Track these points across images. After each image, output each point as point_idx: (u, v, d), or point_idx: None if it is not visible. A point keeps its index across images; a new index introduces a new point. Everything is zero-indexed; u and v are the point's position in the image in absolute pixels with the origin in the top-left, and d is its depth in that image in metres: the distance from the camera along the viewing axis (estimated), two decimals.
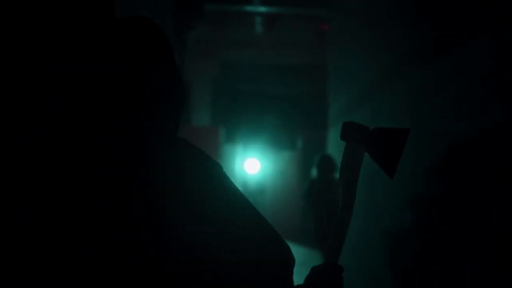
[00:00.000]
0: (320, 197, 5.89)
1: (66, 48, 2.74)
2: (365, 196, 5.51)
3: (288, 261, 1.12)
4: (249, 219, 1.12)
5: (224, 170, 1.19)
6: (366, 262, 5.28)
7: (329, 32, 9.18)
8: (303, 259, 1.23)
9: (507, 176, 2.50)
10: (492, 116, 2.68)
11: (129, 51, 1.22)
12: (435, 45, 3.56)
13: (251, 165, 13.10)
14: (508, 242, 2.46)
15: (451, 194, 3.22)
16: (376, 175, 4.95)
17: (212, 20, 9.66)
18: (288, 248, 1.13)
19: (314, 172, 6.14)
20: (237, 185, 1.18)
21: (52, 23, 2.72)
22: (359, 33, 6.30)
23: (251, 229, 1.11)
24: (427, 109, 3.68)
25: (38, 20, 2.67)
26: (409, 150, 4.08)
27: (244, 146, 13.42)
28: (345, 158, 1.25)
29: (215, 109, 13.03)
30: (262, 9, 9.67)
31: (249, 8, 9.69)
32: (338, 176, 1.33)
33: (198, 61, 10.12)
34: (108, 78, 1.22)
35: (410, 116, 4.09)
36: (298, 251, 4.99)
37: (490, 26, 2.71)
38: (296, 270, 1.16)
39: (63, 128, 1.24)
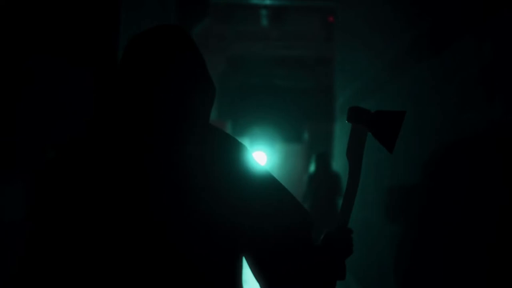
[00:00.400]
0: (319, 188, 6.38)
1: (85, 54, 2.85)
2: (370, 189, 5.52)
3: (311, 224, 1.35)
4: (275, 195, 1.33)
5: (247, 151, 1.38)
6: (370, 251, 5.29)
7: (335, 25, 9.15)
8: None
9: (510, 169, 2.50)
10: (495, 108, 2.68)
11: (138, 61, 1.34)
12: (437, 38, 3.55)
13: (258, 158, 13.09)
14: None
15: (453, 185, 3.22)
16: (382, 169, 4.95)
17: (217, 14, 9.65)
18: (309, 214, 1.36)
19: (312, 167, 6.63)
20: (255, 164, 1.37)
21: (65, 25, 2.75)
22: (364, 26, 6.29)
23: (276, 203, 1.32)
24: (431, 102, 3.68)
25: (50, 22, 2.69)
26: (412, 142, 4.08)
27: (251, 139, 13.43)
28: (351, 138, 1.45)
29: (222, 103, 13.04)
30: (267, 1, 9.65)
31: (255, 1, 9.67)
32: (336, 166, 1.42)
33: (205, 54, 10.09)
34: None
35: (414, 108, 4.08)
36: None
37: (493, 18, 2.71)
38: None
39: (107, 128, 1.36)
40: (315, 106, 12.60)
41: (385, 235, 4.80)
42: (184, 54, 1.35)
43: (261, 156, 13.18)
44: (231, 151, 1.34)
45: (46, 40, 2.69)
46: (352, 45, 7.20)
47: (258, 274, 1.32)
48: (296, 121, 13.32)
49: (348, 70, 7.46)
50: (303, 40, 11.10)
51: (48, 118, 2.65)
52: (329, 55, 9.91)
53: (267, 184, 1.34)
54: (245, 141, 13.16)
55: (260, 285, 1.34)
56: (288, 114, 13.33)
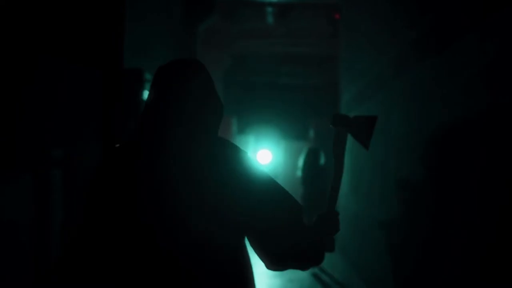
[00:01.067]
0: (311, 179, 7.31)
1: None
2: (376, 188, 5.50)
3: (301, 211, 1.68)
4: (272, 191, 1.66)
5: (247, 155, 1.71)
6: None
7: (341, 22, 9.12)
8: None
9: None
10: (499, 106, 2.67)
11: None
12: (441, 36, 3.54)
13: (263, 155, 13.10)
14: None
15: (458, 183, 3.21)
16: (387, 168, 4.93)
17: (223, 12, 9.63)
18: (298, 203, 1.70)
19: (303, 161, 7.52)
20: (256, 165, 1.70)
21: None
22: (369, 24, 6.27)
23: (273, 197, 1.66)
24: (435, 99, 3.67)
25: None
26: (417, 140, 4.06)
27: (256, 136, 13.43)
28: (335, 138, 1.80)
29: (227, 100, 13.02)
30: None
31: None
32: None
33: (209, 52, 10.10)
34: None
35: (418, 106, 4.07)
36: None
37: (496, 16, 2.69)
38: None
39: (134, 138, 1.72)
40: (321, 103, 12.57)
41: (390, 234, 4.80)
42: (196, 82, 1.71)
43: (266, 154, 13.18)
44: (234, 157, 1.66)
45: (47, 39, 2.69)
46: (357, 42, 7.18)
47: (261, 252, 1.64)
48: (302, 118, 13.30)
49: (353, 67, 7.44)
50: (309, 37, 11.05)
51: (48, 118, 2.65)
52: (335, 52, 9.87)
53: (266, 183, 1.66)
54: (250, 139, 13.15)
55: (263, 261, 1.66)
56: (293, 111, 13.31)
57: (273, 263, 1.66)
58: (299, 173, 7.54)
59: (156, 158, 1.64)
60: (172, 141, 1.66)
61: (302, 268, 1.71)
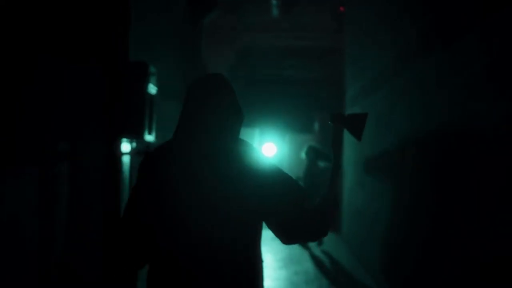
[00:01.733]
0: (310, 172, 7.92)
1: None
2: (380, 182, 5.49)
3: (306, 196, 1.85)
4: (282, 181, 1.81)
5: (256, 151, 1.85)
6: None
7: (346, 16, 9.08)
8: None
9: None
10: (501, 102, 2.66)
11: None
12: (443, 33, 3.52)
13: (268, 149, 13.11)
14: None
15: (460, 178, 3.20)
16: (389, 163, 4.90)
17: (227, 5, 9.60)
18: (304, 189, 1.88)
19: (302, 156, 8.29)
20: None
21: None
22: (373, 20, 6.25)
23: (284, 186, 1.81)
24: (438, 95, 3.66)
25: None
26: (419, 135, 4.04)
27: (261, 129, 13.42)
28: (333, 133, 2.03)
29: None
30: None
31: None
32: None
33: (214, 46, 10.08)
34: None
35: (421, 102, 4.06)
36: None
37: (497, 15, 2.67)
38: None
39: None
40: (326, 97, 12.55)
41: (391, 230, 4.80)
42: (223, 93, 1.85)
43: (271, 147, 13.18)
44: (236, 156, 1.76)
45: (47, 39, 2.69)
46: (361, 38, 7.16)
47: (277, 231, 1.81)
48: (306, 112, 13.28)
49: (357, 62, 7.42)
50: (313, 31, 11.01)
51: (50, 116, 2.66)
52: (340, 45, 9.83)
53: (270, 176, 1.78)
54: (255, 132, 13.13)
55: (280, 239, 1.83)
56: (298, 105, 13.29)
57: (285, 241, 1.86)
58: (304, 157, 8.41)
59: (158, 159, 1.72)
60: (174, 143, 1.75)
61: (311, 241, 1.92)
